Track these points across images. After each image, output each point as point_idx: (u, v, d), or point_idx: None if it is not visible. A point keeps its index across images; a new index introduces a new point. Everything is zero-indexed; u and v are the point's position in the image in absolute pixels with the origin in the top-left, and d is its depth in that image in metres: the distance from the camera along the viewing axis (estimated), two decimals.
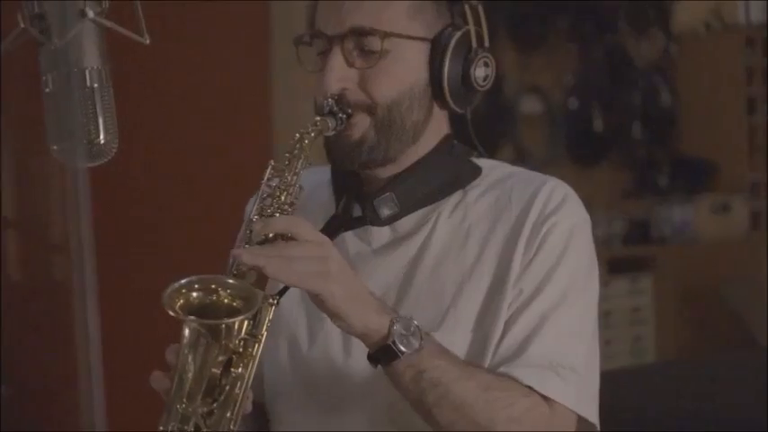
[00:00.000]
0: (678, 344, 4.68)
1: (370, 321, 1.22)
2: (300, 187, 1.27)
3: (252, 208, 1.27)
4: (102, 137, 1.08)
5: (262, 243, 1.21)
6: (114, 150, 1.10)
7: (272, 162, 1.29)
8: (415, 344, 1.22)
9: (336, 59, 1.32)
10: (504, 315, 1.32)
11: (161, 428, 1.19)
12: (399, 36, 1.32)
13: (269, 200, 1.26)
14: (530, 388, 1.29)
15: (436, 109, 1.38)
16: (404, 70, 1.33)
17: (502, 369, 1.30)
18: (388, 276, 1.37)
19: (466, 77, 1.36)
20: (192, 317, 1.16)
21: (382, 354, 1.23)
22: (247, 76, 3.79)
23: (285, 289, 1.24)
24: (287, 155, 1.29)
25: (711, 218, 5.27)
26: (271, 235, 1.21)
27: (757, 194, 5.44)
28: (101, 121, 1.08)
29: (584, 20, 5.08)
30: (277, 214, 1.25)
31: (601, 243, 3.84)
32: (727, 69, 5.43)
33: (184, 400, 1.17)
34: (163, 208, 3.58)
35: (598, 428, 1.36)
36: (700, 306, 4.98)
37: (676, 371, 3.63)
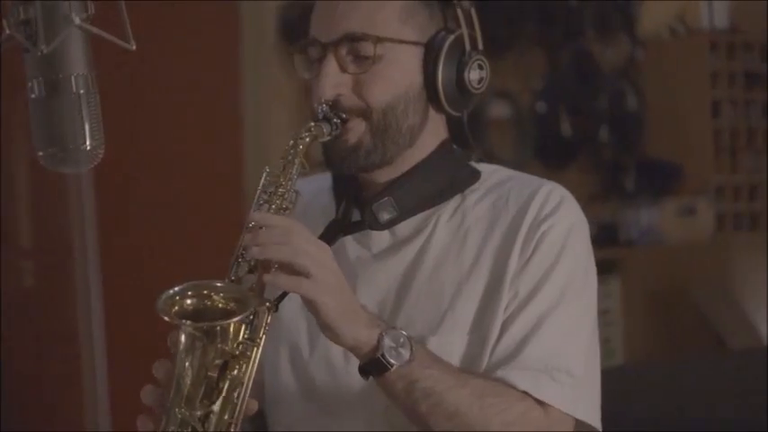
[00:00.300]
0: (646, 346, 4.71)
1: (360, 334, 1.23)
2: (297, 192, 1.28)
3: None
4: (88, 143, 1.08)
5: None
6: (101, 156, 1.10)
7: (267, 168, 1.29)
8: (406, 355, 1.23)
9: (330, 66, 1.33)
10: (500, 317, 1.33)
11: None
12: (392, 41, 1.33)
13: (265, 206, 1.27)
14: (525, 393, 1.29)
15: (432, 112, 1.39)
16: (398, 74, 1.35)
17: (497, 372, 1.31)
18: (388, 280, 1.38)
19: (460, 81, 1.37)
20: (187, 321, 1.16)
21: (373, 366, 1.24)
22: (217, 76, 3.79)
23: (283, 295, 1.24)
24: (281, 161, 1.29)
25: (677, 220, 5.31)
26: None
27: (722, 197, 5.49)
28: (87, 127, 1.08)
29: (552, 25, 5.12)
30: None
31: None
32: (692, 73, 5.48)
33: (182, 404, 1.18)
34: (147, 209, 3.58)
35: (600, 430, 1.36)
36: (667, 308, 5.01)
37: (645, 373, 3.66)
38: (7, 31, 1.06)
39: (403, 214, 1.37)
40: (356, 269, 1.37)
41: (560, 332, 1.33)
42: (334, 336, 1.23)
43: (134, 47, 1.07)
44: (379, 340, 1.23)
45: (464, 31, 1.38)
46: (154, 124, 3.58)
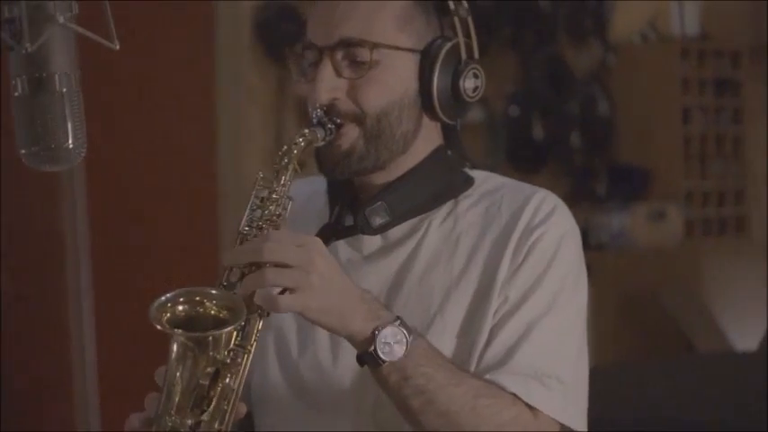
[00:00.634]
0: (616, 348, 4.74)
1: (353, 329, 1.23)
2: (290, 198, 1.28)
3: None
4: (70, 141, 1.09)
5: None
6: (83, 155, 1.11)
7: (260, 174, 1.29)
8: (399, 352, 1.23)
9: (326, 70, 1.34)
10: (489, 322, 1.33)
11: None
12: (388, 47, 1.34)
13: (258, 212, 1.26)
14: (515, 396, 1.30)
15: (426, 119, 1.39)
16: (393, 80, 1.35)
17: (487, 376, 1.31)
18: (379, 282, 1.38)
19: (455, 89, 1.37)
20: (179, 330, 1.16)
21: (366, 358, 1.24)
22: (192, 77, 3.78)
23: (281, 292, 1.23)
24: (275, 166, 1.29)
25: (647, 225, 5.35)
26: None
27: (692, 202, 5.54)
28: (69, 125, 1.09)
29: (525, 30, 5.14)
30: (265, 227, 1.25)
31: None
32: (663, 79, 5.51)
33: (173, 412, 1.17)
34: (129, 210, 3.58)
35: None
36: (637, 311, 5.05)
37: (614, 376, 3.69)
38: None
39: (395, 219, 1.37)
40: (347, 271, 1.35)
41: (550, 338, 1.33)
42: (326, 329, 1.24)
43: (118, 46, 1.08)
44: (374, 335, 1.23)
45: (460, 39, 1.38)
46: (126, 123, 3.58)
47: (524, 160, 5.15)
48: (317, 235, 1.38)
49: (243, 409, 1.22)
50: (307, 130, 1.31)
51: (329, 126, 1.33)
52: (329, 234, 1.38)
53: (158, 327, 1.15)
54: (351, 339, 1.25)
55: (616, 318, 4.90)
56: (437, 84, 1.36)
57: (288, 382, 1.40)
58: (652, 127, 5.47)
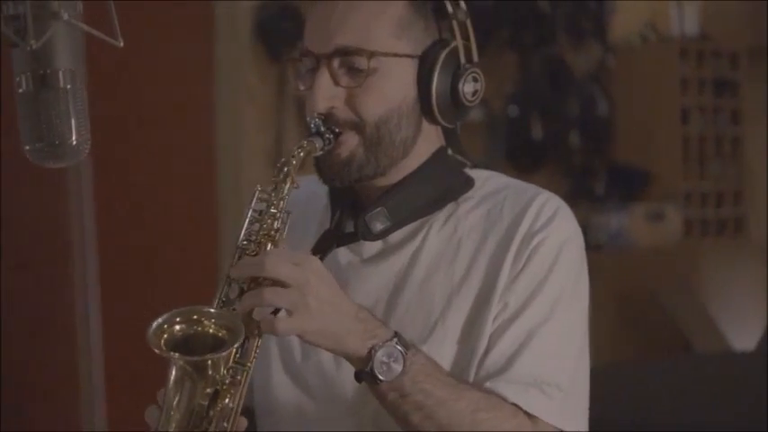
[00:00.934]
0: (614, 348, 4.75)
1: (350, 348, 1.23)
2: (288, 212, 1.26)
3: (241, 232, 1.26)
4: (74, 137, 1.09)
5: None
6: (87, 151, 1.11)
7: (258, 187, 1.27)
8: (397, 370, 1.22)
9: (323, 78, 1.32)
10: (489, 328, 1.32)
11: None
12: (386, 55, 1.32)
13: (257, 225, 1.25)
14: (515, 406, 1.29)
15: (426, 123, 1.37)
16: (392, 88, 1.33)
17: (487, 384, 1.30)
18: (379, 287, 1.37)
19: (454, 93, 1.35)
20: (177, 354, 1.15)
21: (365, 376, 1.24)
22: (191, 76, 3.78)
23: (276, 311, 1.23)
24: (273, 179, 1.27)
25: (646, 225, 5.35)
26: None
27: (690, 203, 5.55)
28: (73, 122, 1.09)
29: (524, 31, 5.15)
30: (263, 242, 1.23)
31: None
32: (662, 80, 5.51)
33: None
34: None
35: None
36: (635, 312, 5.05)
37: (612, 375, 3.69)
38: None
39: (396, 224, 1.35)
40: (347, 275, 1.36)
41: (551, 346, 1.32)
42: (324, 349, 1.24)
43: (122, 44, 1.08)
44: (371, 354, 1.22)
45: (459, 42, 1.36)
46: (125, 121, 3.58)
47: (523, 160, 5.15)
48: (318, 242, 1.37)
49: (243, 424, 1.21)
50: (305, 141, 1.29)
51: (327, 136, 1.31)
52: (330, 240, 1.37)
53: (156, 351, 1.14)
54: (348, 358, 1.24)
55: (614, 318, 4.91)
56: (436, 89, 1.34)
57: (292, 385, 1.40)
58: (651, 127, 5.48)
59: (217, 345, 1.17)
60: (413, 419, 1.26)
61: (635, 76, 5.50)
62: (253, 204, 1.26)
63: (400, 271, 1.37)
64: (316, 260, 1.23)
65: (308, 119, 1.33)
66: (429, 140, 1.39)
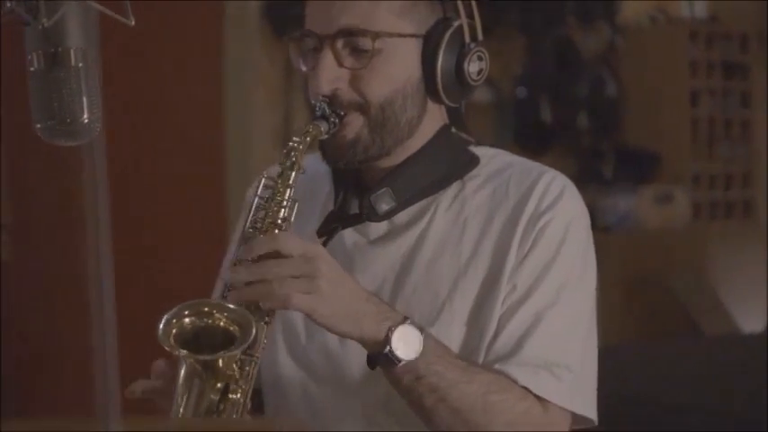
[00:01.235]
0: (622, 330, 4.75)
1: (366, 331, 1.23)
2: (295, 200, 1.26)
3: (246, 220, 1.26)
4: (86, 115, 1.09)
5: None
6: (98, 130, 1.11)
7: (264, 173, 1.27)
8: (413, 353, 1.23)
9: (327, 59, 1.30)
10: (498, 310, 1.32)
11: None
12: (390, 35, 1.30)
13: (262, 212, 1.25)
14: (525, 389, 1.29)
15: (431, 103, 1.36)
16: (396, 68, 1.32)
17: (497, 367, 1.30)
18: (385, 268, 1.36)
19: (459, 72, 1.34)
20: (186, 352, 1.15)
21: (380, 360, 1.24)
22: (200, 59, 3.78)
23: None
24: (280, 165, 1.27)
25: (654, 207, 5.35)
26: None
27: (699, 185, 5.54)
28: (85, 100, 1.09)
29: (533, 12, 5.14)
30: (270, 230, 1.23)
31: None
32: (671, 62, 5.50)
33: None
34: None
35: (596, 423, 1.35)
36: (643, 294, 5.05)
37: (620, 357, 3.70)
38: (8, 5, 1.07)
39: (401, 205, 1.35)
40: (353, 256, 1.36)
41: (559, 328, 1.32)
42: (337, 334, 1.24)
43: (133, 22, 1.08)
44: (387, 335, 1.22)
45: (464, 21, 1.34)
46: (133, 103, 3.58)
47: (532, 142, 5.15)
48: (322, 223, 1.36)
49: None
50: (311, 126, 1.28)
51: (332, 119, 1.30)
52: (335, 222, 1.36)
53: (167, 348, 1.14)
54: (363, 342, 1.24)
55: (622, 300, 4.91)
56: (441, 68, 1.32)
57: (297, 366, 1.40)
58: (660, 109, 5.47)
59: (227, 339, 1.17)
60: (426, 402, 1.26)
61: (644, 58, 5.49)
62: (259, 192, 1.26)
63: (407, 252, 1.36)
64: (322, 249, 1.23)
65: (312, 101, 1.32)
66: (433, 119, 1.38)
